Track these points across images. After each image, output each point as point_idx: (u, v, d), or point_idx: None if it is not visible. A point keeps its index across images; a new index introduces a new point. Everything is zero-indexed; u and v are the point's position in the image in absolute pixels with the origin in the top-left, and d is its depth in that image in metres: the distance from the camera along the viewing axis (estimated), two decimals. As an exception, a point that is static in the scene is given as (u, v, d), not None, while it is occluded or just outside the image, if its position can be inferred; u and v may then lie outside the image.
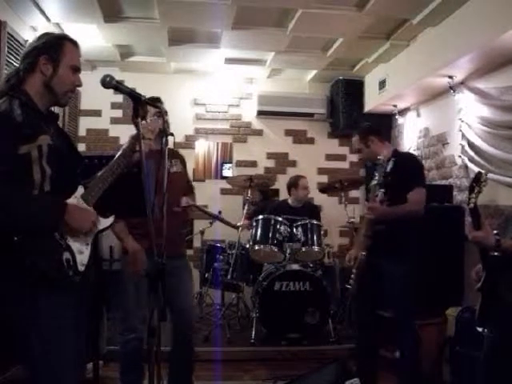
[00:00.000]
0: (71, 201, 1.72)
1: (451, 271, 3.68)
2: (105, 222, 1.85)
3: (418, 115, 5.13)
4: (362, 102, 5.62)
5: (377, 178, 2.98)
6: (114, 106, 5.62)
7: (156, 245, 1.75)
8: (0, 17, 3.55)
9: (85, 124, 5.60)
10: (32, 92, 1.73)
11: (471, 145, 3.99)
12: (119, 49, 4.99)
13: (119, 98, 5.50)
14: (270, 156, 5.94)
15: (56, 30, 4.13)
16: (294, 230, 4.27)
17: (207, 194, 5.41)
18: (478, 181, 2.10)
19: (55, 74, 1.74)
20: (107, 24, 4.18)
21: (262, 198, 5.55)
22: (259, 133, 5.94)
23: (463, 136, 4.11)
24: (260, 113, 5.78)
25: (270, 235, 4.17)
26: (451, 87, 4.16)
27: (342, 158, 6.05)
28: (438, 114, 4.73)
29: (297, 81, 5.93)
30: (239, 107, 5.92)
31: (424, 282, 3.14)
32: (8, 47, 3.58)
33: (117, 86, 1.76)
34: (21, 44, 3.77)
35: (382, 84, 5.09)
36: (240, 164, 5.87)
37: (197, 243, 5.35)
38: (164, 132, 1.98)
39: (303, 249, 4.20)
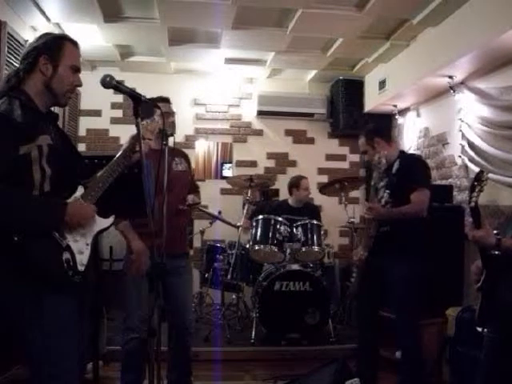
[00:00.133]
0: (71, 200, 1.72)
1: (451, 271, 3.68)
2: (105, 222, 1.85)
3: (418, 115, 5.13)
4: (362, 101, 5.62)
5: (376, 178, 2.98)
6: (114, 106, 5.62)
7: (157, 244, 1.75)
8: (0, 17, 3.54)
9: (85, 124, 5.60)
10: (32, 92, 1.73)
11: (471, 145, 3.99)
12: (119, 49, 4.99)
13: (119, 97, 5.50)
14: (269, 156, 5.94)
15: (56, 30, 4.13)
16: (294, 229, 4.27)
17: (207, 194, 5.38)
18: (479, 180, 2.10)
19: (55, 74, 1.74)
20: (107, 24, 4.18)
21: (265, 198, 5.55)
22: (259, 133, 5.94)
23: (463, 136, 4.11)
24: (260, 113, 5.78)
25: (270, 235, 4.17)
26: (451, 87, 4.16)
27: (342, 157, 6.05)
28: (438, 114, 4.73)
29: (297, 81, 5.93)
30: (239, 107, 5.91)
31: (425, 282, 3.14)
32: (8, 47, 3.58)
33: (117, 86, 1.76)
34: (21, 44, 3.77)
35: (382, 84, 5.09)
36: (240, 164, 5.87)
37: (197, 243, 5.35)
38: (164, 132, 1.98)
39: (303, 249, 4.20)
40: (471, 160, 3.99)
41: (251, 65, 5.38)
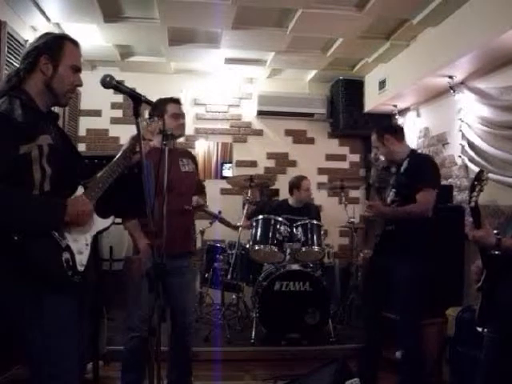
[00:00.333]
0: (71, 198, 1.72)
1: (451, 271, 3.68)
2: (104, 223, 1.85)
3: (418, 115, 5.13)
4: (362, 101, 5.61)
5: (374, 177, 2.99)
6: (114, 106, 5.62)
7: (158, 244, 1.75)
8: (0, 17, 3.55)
9: (85, 124, 5.60)
10: (32, 92, 1.73)
11: (471, 145, 3.99)
12: (119, 49, 4.99)
13: (119, 97, 5.50)
14: (269, 156, 5.94)
15: (56, 30, 4.13)
16: (294, 230, 4.27)
17: (207, 194, 5.39)
18: (479, 179, 2.11)
19: (55, 74, 1.74)
20: (107, 24, 4.18)
21: (267, 199, 5.55)
22: (259, 133, 5.94)
23: (463, 136, 4.11)
24: (260, 113, 5.78)
25: (270, 235, 4.17)
26: (451, 87, 4.16)
27: (342, 157, 6.05)
28: (438, 114, 4.73)
29: (297, 81, 5.93)
30: (239, 107, 5.91)
31: (427, 282, 3.13)
32: (8, 47, 3.58)
33: (117, 86, 1.76)
34: (21, 44, 3.77)
35: (382, 84, 5.09)
36: (240, 164, 5.87)
37: (197, 243, 5.35)
38: (164, 133, 1.98)
39: (303, 249, 4.20)
40: (471, 160, 3.99)
41: (251, 65, 5.38)
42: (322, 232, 4.32)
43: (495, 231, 2.11)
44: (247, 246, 4.34)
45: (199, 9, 3.86)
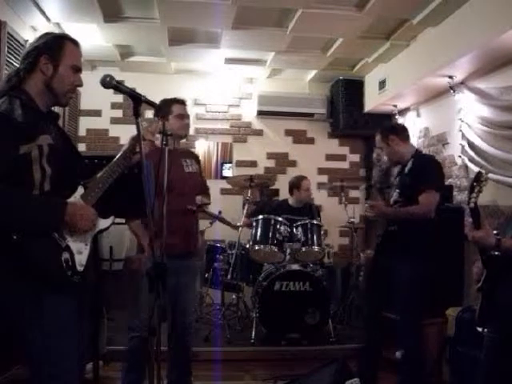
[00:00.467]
0: (71, 200, 1.72)
1: (451, 271, 3.67)
2: (104, 223, 1.85)
3: (418, 115, 5.13)
4: (362, 101, 5.61)
5: (376, 177, 2.99)
6: (114, 106, 5.62)
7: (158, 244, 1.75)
8: (0, 17, 3.55)
9: (85, 124, 5.60)
10: (33, 92, 1.73)
11: (471, 145, 3.99)
12: (119, 49, 4.99)
13: (119, 97, 5.50)
14: (270, 156, 5.94)
15: (56, 30, 4.13)
16: (294, 230, 4.27)
17: (207, 194, 5.40)
18: (478, 180, 2.11)
19: (56, 74, 1.74)
20: (107, 24, 4.18)
21: (268, 199, 5.54)
22: (259, 133, 5.94)
23: (463, 136, 4.11)
24: (260, 113, 5.78)
25: (270, 235, 4.17)
26: (451, 87, 4.16)
27: (342, 157, 6.04)
28: (438, 114, 4.73)
29: (297, 81, 5.93)
30: (239, 107, 5.91)
31: (428, 282, 3.14)
32: (8, 47, 3.58)
33: (117, 86, 1.76)
34: (21, 44, 3.77)
35: (382, 84, 5.09)
36: (240, 164, 5.87)
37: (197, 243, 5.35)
38: (164, 133, 1.98)
39: (303, 249, 4.20)
40: (471, 160, 3.98)
41: (251, 65, 5.38)
42: (322, 232, 4.32)
43: (495, 232, 2.11)
44: (247, 245, 4.34)
45: (199, 9, 3.86)
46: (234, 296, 4.57)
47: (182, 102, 2.89)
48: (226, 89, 5.85)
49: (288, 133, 5.98)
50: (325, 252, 4.41)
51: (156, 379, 1.74)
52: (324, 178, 5.86)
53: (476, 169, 3.59)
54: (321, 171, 5.94)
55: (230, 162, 5.85)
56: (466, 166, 4.12)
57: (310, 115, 5.84)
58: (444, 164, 4.52)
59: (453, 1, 3.59)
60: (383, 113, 5.43)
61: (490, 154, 3.72)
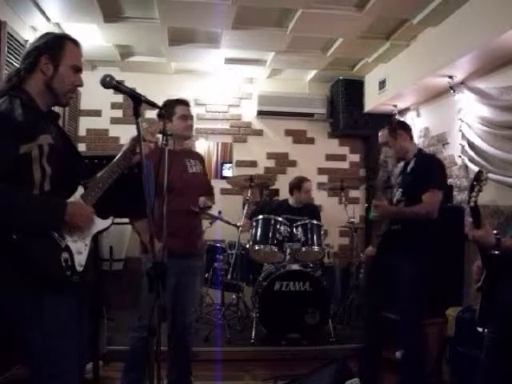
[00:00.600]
0: (71, 200, 1.72)
1: (451, 271, 3.68)
2: (103, 223, 1.85)
3: (418, 115, 5.13)
4: (362, 101, 5.61)
5: (382, 177, 2.99)
6: (114, 106, 5.62)
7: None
8: (0, 17, 3.55)
9: (85, 124, 5.60)
10: (33, 92, 1.73)
11: (471, 145, 3.99)
12: (119, 49, 4.99)
13: (119, 97, 5.50)
14: (270, 156, 5.94)
15: (56, 30, 4.12)
16: (294, 230, 4.27)
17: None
18: (478, 179, 2.11)
19: (56, 74, 1.74)
20: (107, 24, 4.18)
21: (268, 198, 5.54)
22: (259, 133, 5.94)
23: (463, 136, 4.11)
24: (260, 113, 5.78)
25: (270, 235, 4.17)
26: (451, 87, 4.16)
27: (342, 157, 6.04)
28: (438, 114, 4.73)
29: (297, 81, 5.93)
30: (239, 107, 5.91)
31: (429, 282, 3.14)
32: (8, 47, 3.58)
33: (117, 86, 1.76)
34: (21, 44, 3.77)
35: (382, 84, 5.09)
36: (240, 164, 5.87)
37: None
38: (164, 133, 1.98)
39: (303, 249, 4.20)
40: (471, 160, 3.99)
41: (251, 65, 5.38)
42: (322, 232, 4.32)
43: (495, 231, 2.11)
44: (247, 245, 4.34)
45: (199, 9, 3.86)
46: (234, 296, 4.57)
47: (185, 103, 2.90)
48: (225, 89, 5.85)
49: (288, 133, 5.98)
50: (325, 252, 4.41)
51: (156, 379, 1.74)
52: (324, 178, 5.85)
53: (476, 169, 3.59)
54: (321, 171, 5.94)
55: (230, 162, 5.85)
56: (466, 166, 4.12)
57: (310, 115, 5.84)
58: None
59: (453, 1, 3.59)
60: (383, 113, 5.43)
61: (490, 154, 3.72)
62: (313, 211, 4.71)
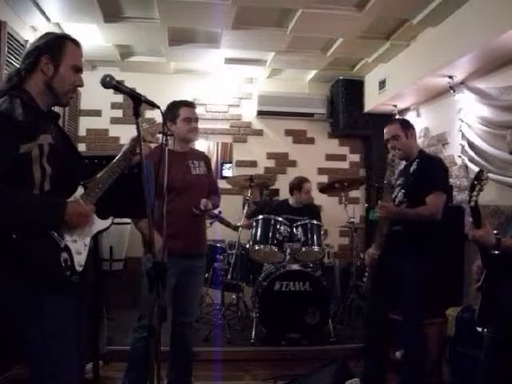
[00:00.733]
0: (71, 200, 1.72)
1: (451, 271, 3.68)
2: (103, 224, 1.85)
3: (418, 115, 5.13)
4: (362, 101, 5.62)
5: (388, 176, 2.98)
6: (114, 106, 5.62)
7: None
8: (0, 17, 3.55)
9: (85, 124, 5.60)
10: (33, 91, 1.73)
11: (471, 145, 3.99)
12: (119, 49, 4.99)
13: (119, 97, 5.50)
14: (270, 156, 5.94)
15: (56, 30, 4.12)
16: (294, 230, 4.27)
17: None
18: (478, 179, 2.11)
19: (56, 74, 1.74)
20: (107, 24, 4.18)
21: (269, 198, 5.54)
22: (259, 133, 5.94)
23: (463, 136, 4.11)
24: (260, 113, 5.78)
25: (270, 235, 4.17)
26: (451, 87, 4.16)
27: (342, 157, 6.04)
28: (438, 114, 4.73)
29: (297, 81, 5.93)
30: (239, 107, 5.91)
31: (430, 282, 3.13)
32: (8, 47, 3.58)
33: (117, 86, 1.76)
34: (21, 44, 3.77)
35: (382, 84, 5.09)
36: (240, 164, 5.87)
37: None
38: (164, 133, 1.98)
39: (303, 249, 4.20)
40: (471, 160, 3.99)
41: (251, 65, 5.38)
42: (322, 232, 4.32)
43: (495, 231, 2.11)
44: (247, 245, 4.34)
45: (199, 9, 3.86)
46: (234, 296, 4.57)
47: (190, 105, 2.87)
48: (225, 89, 5.85)
49: (288, 133, 5.98)
50: (325, 252, 4.41)
51: (156, 379, 1.74)
52: (324, 178, 5.85)
53: (476, 169, 3.60)
54: (321, 171, 5.94)
55: (230, 162, 5.85)
56: (466, 166, 4.12)
57: (310, 115, 5.84)
58: (444, 164, 4.53)
59: (453, 1, 3.59)
60: (383, 113, 5.43)
61: (489, 154, 3.72)
62: (313, 211, 4.70)
